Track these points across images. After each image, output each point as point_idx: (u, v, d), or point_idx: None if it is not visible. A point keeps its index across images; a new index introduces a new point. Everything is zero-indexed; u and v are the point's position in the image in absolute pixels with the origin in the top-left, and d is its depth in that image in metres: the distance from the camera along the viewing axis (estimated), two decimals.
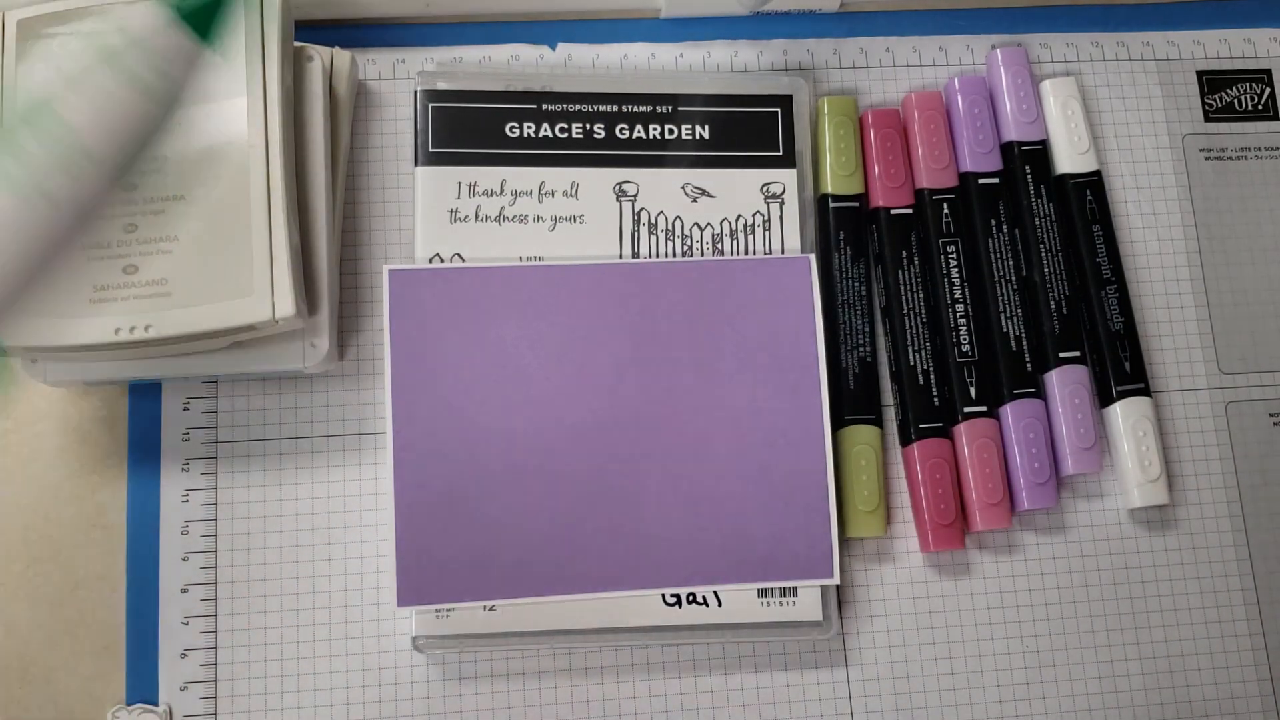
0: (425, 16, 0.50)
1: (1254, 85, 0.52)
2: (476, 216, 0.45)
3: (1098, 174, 0.49)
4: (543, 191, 0.45)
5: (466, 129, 0.46)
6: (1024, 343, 0.47)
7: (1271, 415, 0.48)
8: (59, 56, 0.41)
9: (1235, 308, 0.49)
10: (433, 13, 0.50)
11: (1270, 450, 0.48)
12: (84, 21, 0.42)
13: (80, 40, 0.41)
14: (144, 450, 0.44)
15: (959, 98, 0.49)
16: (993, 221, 0.48)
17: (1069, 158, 0.49)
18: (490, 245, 0.45)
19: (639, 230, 0.46)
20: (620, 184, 0.46)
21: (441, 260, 0.44)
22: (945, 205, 0.48)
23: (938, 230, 0.47)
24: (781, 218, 0.46)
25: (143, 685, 0.43)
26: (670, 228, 0.46)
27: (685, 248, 0.46)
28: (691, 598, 0.42)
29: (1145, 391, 0.47)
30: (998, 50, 0.50)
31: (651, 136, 0.47)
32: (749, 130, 0.47)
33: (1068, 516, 0.47)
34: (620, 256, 0.45)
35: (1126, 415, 0.46)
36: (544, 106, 0.46)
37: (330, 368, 0.45)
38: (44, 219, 0.30)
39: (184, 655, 0.43)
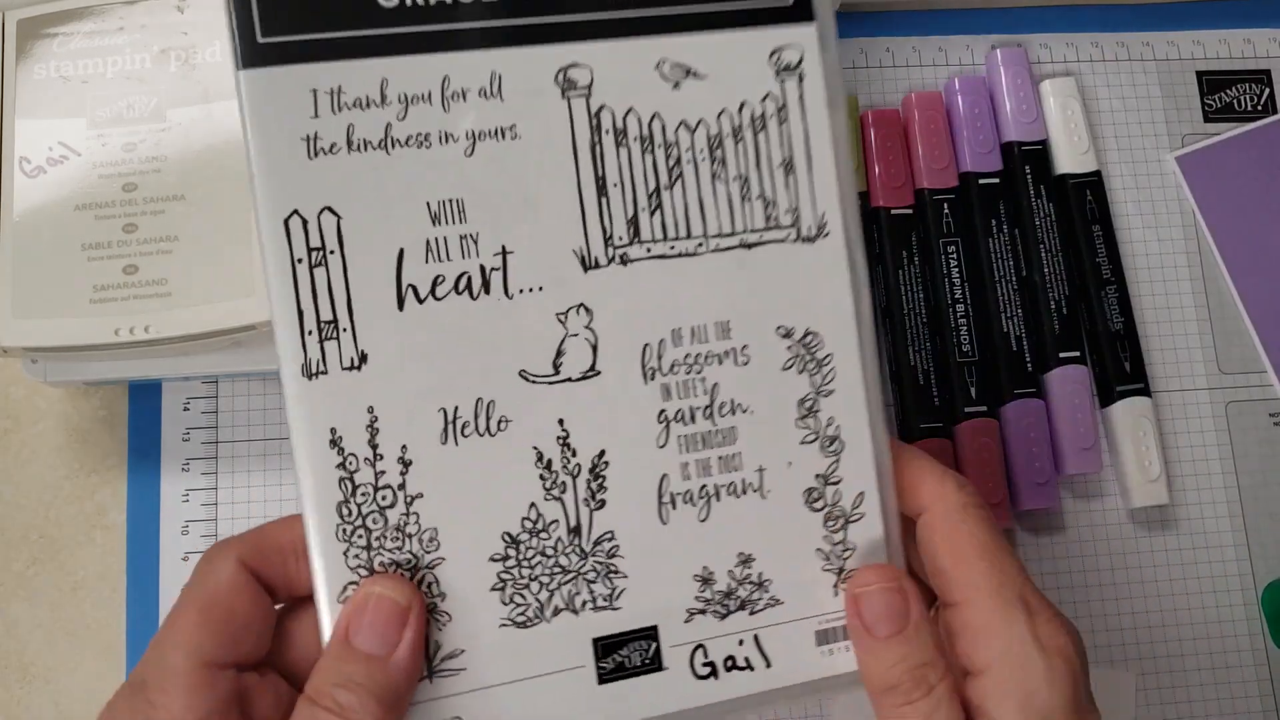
0: None
1: (1253, 86, 0.52)
2: (350, 144, 0.28)
3: (1098, 174, 0.49)
4: (447, 93, 0.29)
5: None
6: (1024, 343, 0.47)
7: (1271, 415, 0.48)
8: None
9: (1236, 307, 0.49)
10: None
11: (1271, 450, 0.48)
12: (84, 21, 0.42)
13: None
14: (144, 450, 0.44)
15: (959, 98, 0.49)
16: (993, 221, 0.48)
17: (1069, 158, 0.49)
18: (378, 187, 0.28)
19: (601, 143, 0.30)
20: (565, 70, 0.29)
21: (305, 224, 0.28)
22: (945, 205, 0.48)
23: (938, 230, 0.47)
24: (802, 100, 0.31)
25: None
26: (646, 134, 0.30)
27: (671, 163, 0.30)
28: (731, 663, 0.30)
29: (1145, 392, 0.47)
30: (997, 50, 0.50)
31: None
32: None
33: (1068, 517, 0.47)
34: (578, 185, 0.29)
35: (1126, 415, 0.46)
36: None
37: None
38: None
39: None
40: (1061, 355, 0.47)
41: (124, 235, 0.40)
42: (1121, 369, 0.47)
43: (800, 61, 0.31)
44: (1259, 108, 0.52)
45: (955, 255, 0.47)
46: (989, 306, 0.47)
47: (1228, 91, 0.52)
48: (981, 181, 0.48)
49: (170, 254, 0.40)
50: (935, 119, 0.48)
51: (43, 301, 0.39)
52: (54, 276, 0.40)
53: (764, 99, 0.31)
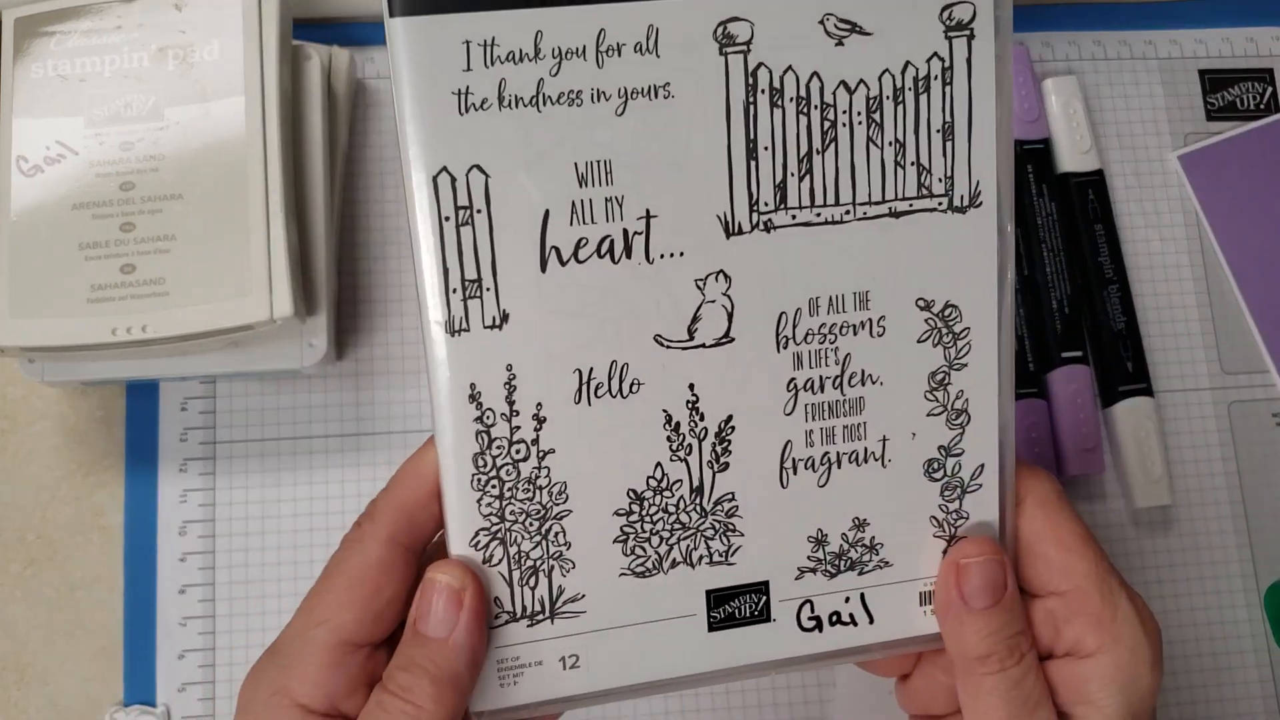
0: None
1: (1256, 84, 0.52)
2: (501, 101, 0.28)
3: (1100, 173, 0.49)
4: (602, 47, 0.28)
5: None
6: (1026, 342, 0.47)
7: (1274, 415, 0.48)
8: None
9: (1238, 307, 0.49)
10: None
11: (1273, 450, 0.48)
12: (81, 20, 0.41)
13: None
14: (141, 451, 0.44)
15: None
16: None
17: (1071, 157, 0.48)
18: (528, 146, 0.28)
19: (755, 103, 0.28)
20: (726, 24, 0.28)
21: (453, 181, 0.28)
22: None
23: None
24: (969, 62, 0.29)
25: (141, 686, 0.42)
26: (803, 94, 0.29)
27: (826, 126, 0.29)
28: (835, 618, 0.31)
29: (1148, 392, 0.47)
30: None
31: None
32: None
33: None
34: (728, 148, 0.29)
35: (1129, 415, 0.46)
36: None
37: (329, 368, 0.45)
38: None
39: (182, 657, 0.42)
40: (1063, 355, 0.46)
41: (121, 234, 0.40)
42: (1124, 369, 0.47)
43: (973, 18, 0.29)
44: (1261, 106, 0.51)
45: None
46: None
47: (1230, 90, 0.51)
48: None
49: (168, 253, 0.40)
50: None
51: (40, 301, 0.39)
52: (51, 276, 0.39)
53: (929, 59, 0.29)
